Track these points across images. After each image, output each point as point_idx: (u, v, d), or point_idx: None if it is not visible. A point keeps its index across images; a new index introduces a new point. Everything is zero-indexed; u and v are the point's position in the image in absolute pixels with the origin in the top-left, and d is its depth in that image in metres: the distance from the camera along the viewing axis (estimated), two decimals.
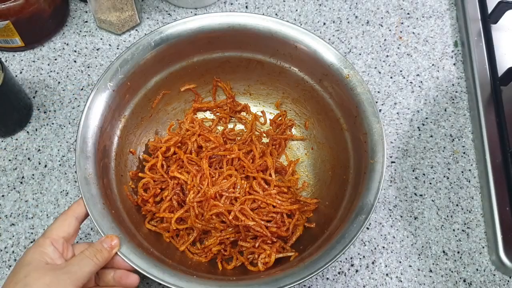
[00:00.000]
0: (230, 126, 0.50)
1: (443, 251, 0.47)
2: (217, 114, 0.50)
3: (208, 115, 0.50)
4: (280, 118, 0.50)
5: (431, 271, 0.46)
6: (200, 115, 0.50)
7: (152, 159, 0.46)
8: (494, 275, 0.46)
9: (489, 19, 0.56)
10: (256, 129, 0.50)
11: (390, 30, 0.59)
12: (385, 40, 0.58)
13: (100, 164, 0.41)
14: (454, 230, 0.48)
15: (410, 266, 0.46)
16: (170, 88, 0.48)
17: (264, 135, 0.49)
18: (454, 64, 0.57)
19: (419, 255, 0.46)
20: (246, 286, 0.37)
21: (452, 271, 0.46)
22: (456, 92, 0.55)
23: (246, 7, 0.59)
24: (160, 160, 0.45)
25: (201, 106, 0.49)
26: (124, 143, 0.45)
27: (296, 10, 0.59)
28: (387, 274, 0.45)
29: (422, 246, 0.47)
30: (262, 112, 0.50)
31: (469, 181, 0.50)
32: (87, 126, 0.41)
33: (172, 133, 0.48)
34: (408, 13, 0.60)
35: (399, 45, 0.58)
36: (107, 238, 0.36)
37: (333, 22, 0.59)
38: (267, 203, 0.43)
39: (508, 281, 0.45)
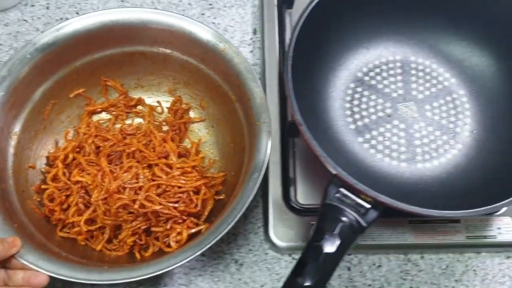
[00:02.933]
0: (129, 121, 0.53)
1: None
2: (113, 113, 0.53)
3: (105, 115, 0.53)
4: (176, 104, 0.53)
5: (203, 255, 0.49)
6: (97, 117, 0.53)
7: (53, 169, 0.48)
8: (267, 253, 0.50)
9: (283, 4, 0.60)
10: (155, 119, 0.53)
11: None
12: None
13: None
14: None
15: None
16: (58, 97, 0.50)
17: (164, 123, 0.53)
18: (251, 51, 0.60)
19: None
20: (156, 265, 0.40)
21: (225, 253, 0.49)
22: None
23: (48, 8, 0.62)
24: (60, 169, 0.48)
25: (95, 109, 0.52)
26: (21, 160, 0.48)
27: (98, 8, 0.62)
28: None
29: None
30: (158, 102, 0.54)
31: None
32: None
33: (69, 140, 0.50)
34: (211, 4, 0.63)
35: None
36: (9, 237, 0.40)
37: None
38: (172, 185, 0.47)
39: (280, 259, 0.49)
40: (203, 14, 0.62)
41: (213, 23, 0.62)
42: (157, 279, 0.48)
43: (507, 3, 0.49)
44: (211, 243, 0.40)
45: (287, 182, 0.51)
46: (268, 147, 0.44)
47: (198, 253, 0.40)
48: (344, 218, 0.40)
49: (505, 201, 0.40)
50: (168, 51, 0.51)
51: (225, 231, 0.41)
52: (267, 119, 0.45)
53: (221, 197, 0.48)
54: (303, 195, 0.51)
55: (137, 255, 0.46)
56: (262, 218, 0.51)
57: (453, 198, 0.47)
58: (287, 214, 0.49)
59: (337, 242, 0.38)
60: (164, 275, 0.48)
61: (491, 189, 0.45)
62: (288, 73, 0.44)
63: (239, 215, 0.41)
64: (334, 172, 0.40)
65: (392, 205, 0.39)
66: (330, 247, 0.38)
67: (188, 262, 0.40)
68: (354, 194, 0.41)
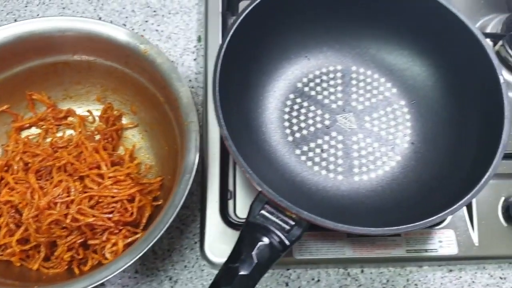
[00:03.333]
0: (60, 134, 0.52)
1: (153, 251, 0.49)
2: (43, 127, 0.52)
3: (34, 130, 0.52)
4: (107, 111, 0.53)
5: (137, 271, 0.49)
6: (27, 132, 0.52)
7: None
8: (203, 270, 0.49)
9: (228, 11, 0.59)
10: (87, 129, 0.52)
11: (133, 29, 0.61)
12: None
13: None
14: (168, 227, 0.49)
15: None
16: None
17: (96, 132, 0.52)
18: (194, 59, 0.60)
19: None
20: (88, 279, 0.39)
21: (159, 270, 0.49)
22: (192, 87, 0.58)
23: None
24: None
25: (22, 124, 0.51)
26: None
27: (38, 15, 0.61)
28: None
29: None
30: (89, 111, 0.53)
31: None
32: None
33: None
34: (155, 11, 0.63)
35: None
36: None
37: None
38: (105, 196, 0.46)
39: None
40: (146, 21, 0.62)
41: (157, 30, 0.61)
42: None
43: (444, 17, 0.48)
44: (143, 251, 0.40)
45: (226, 195, 0.50)
46: (198, 146, 0.44)
47: (130, 262, 0.39)
48: (264, 238, 0.39)
49: (435, 216, 0.39)
50: (91, 58, 0.50)
51: (157, 238, 0.40)
52: (195, 118, 0.45)
53: (159, 202, 0.48)
54: (243, 209, 0.50)
55: (76, 270, 0.45)
56: (199, 233, 0.50)
57: (390, 212, 0.46)
58: (224, 229, 0.48)
59: (254, 263, 0.38)
60: None
61: (428, 202, 0.45)
62: (216, 84, 0.42)
63: (170, 220, 0.41)
64: (259, 188, 0.40)
65: (315, 222, 0.38)
66: (245, 269, 0.38)
67: (121, 272, 0.39)
68: (279, 211, 0.40)
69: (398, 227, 0.39)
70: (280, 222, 0.40)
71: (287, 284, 0.49)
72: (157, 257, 0.49)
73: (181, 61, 0.60)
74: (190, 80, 0.59)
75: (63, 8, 0.62)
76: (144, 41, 0.47)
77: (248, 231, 0.40)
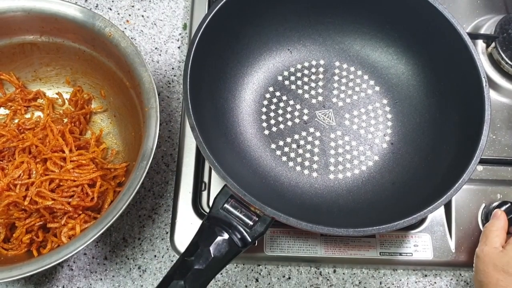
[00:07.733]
0: (28, 116, 0.54)
1: (123, 238, 0.51)
2: (12, 107, 0.54)
3: (3, 111, 0.54)
4: (77, 94, 0.54)
5: (106, 258, 0.51)
6: None
7: None
8: (172, 261, 0.51)
9: (214, 0, 0.59)
10: (56, 112, 0.54)
11: (118, 14, 0.63)
12: None
13: None
14: (140, 216, 0.52)
15: (85, 254, 0.50)
16: None
17: (64, 115, 0.54)
18: (178, 47, 0.61)
19: (97, 243, 0.51)
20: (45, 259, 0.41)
21: (128, 258, 0.51)
22: (174, 76, 0.60)
23: None
24: None
25: None
26: None
27: None
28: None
29: (102, 234, 0.45)
30: (58, 93, 0.55)
31: (168, 166, 0.55)
32: None
33: None
34: None
35: (125, 28, 0.62)
36: None
37: None
38: (66, 179, 0.48)
39: None
40: (132, 6, 0.64)
41: (142, 16, 0.63)
42: (55, 281, 0.50)
43: (431, 15, 0.48)
44: (92, 239, 0.41)
45: (199, 187, 0.52)
46: (157, 133, 0.45)
47: (76, 251, 0.41)
48: (224, 233, 0.40)
49: (404, 219, 0.40)
50: (58, 40, 0.52)
51: (109, 224, 0.42)
52: (155, 104, 0.46)
53: (121, 189, 0.49)
54: None
55: (35, 253, 0.47)
56: (170, 223, 0.52)
57: (363, 213, 0.47)
58: (195, 221, 0.50)
59: (210, 258, 0.39)
60: (63, 277, 0.50)
61: (403, 205, 0.45)
62: (187, 71, 0.43)
63: (124, 207, 0.42)
64: (224, 182, 0.40)
65: (279, 219, 0.39)
66: (201, 263, 0.39)
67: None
68: (243, 205, 0.41)
69: (366, 229, 0.39)
70: (243, 217, 0.41)
71: (257, 280, 0.51)
72: (127, 245, 0.51)
73: (165, 49, 0.61)
74: (172, 68, 0.60)
75: None
76: (109, 24, 0.49)
77: (208, 225, 0.41)
